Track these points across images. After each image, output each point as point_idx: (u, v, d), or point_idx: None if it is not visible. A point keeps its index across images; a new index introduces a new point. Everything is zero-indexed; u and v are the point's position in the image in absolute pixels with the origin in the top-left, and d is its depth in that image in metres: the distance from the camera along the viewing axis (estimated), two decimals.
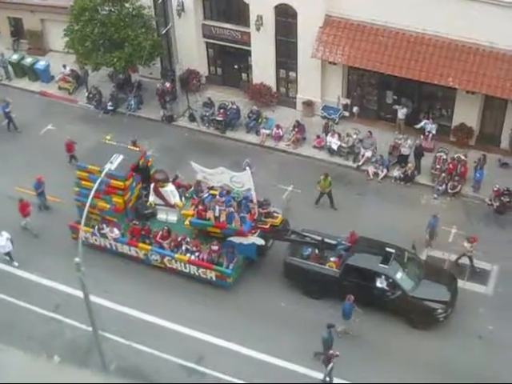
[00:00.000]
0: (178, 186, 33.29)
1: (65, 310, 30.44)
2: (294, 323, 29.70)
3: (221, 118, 40.36)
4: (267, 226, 31.30)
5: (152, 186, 32.50)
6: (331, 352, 26.43)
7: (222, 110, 40.74)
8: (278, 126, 39.54)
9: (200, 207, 31.31)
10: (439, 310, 29.05)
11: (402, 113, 39.02)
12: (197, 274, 31.27)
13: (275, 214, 31.84)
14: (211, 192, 32.55)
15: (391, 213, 34.41)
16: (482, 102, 37.46)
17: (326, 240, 30.85)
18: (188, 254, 31.21)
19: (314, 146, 39.06)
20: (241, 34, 40.97)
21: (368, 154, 37.79)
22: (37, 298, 31.11)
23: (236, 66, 43.29)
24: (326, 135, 38.70)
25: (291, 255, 31.10)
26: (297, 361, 28.20)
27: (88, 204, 24.19)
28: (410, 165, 36.74)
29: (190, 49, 42.05)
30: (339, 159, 38.36)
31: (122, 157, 25.96)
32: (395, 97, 39.72)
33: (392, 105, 39.79)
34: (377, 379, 27.07)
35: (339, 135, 38.52)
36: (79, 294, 24.97)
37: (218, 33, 41.64)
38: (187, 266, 31.29)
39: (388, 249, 30.01)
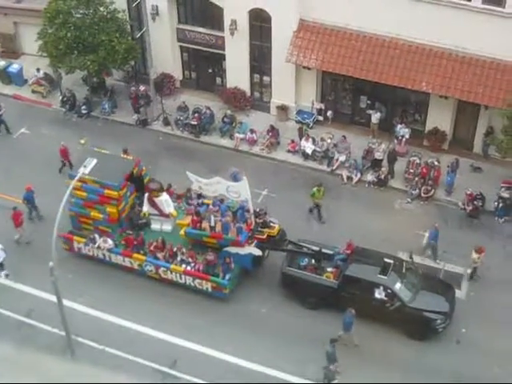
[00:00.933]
0: (172, 195, 32.99)
1: (38, 315, 30.21)
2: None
3: (195, 122, 40.30)
4: (264, 236, 31.08)
5: (146, 195, 32.06)
6: (333, 367, 26.36)
7: (196, 114, 40.67)
8: (252, 131, 39.56)
9: (195, 218, 31.01)
10: (438, 321, 28.91)
11: (375, 117, 39.20)
12: (192, 284, 30.85)
13: (272, 224, 31.64)
14: (205, 201, 32.40)
15: (365, 216, 34.54)
16: (454, 107, 37.72)
17: (323, 250, 30.71)
18: (183, 265, 30.90)
19: (288, 151, 39.13)
20: (215, 39, 40.97)
21: (342, 158, 37.92)
22: (9, 302, 30.87)
23: (210, 70, 43.25)
24: (301, 139, 38.78)
25: (288, 265, 30.81)
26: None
27: (60, 212, 23.94)
28: (383, 169, 36.90)
29: (165, 53, 41.98)
30: (313, 163, 38.45)
31: (95, 161, 25.77)
32: (369, 101, 39.90)
33: (366, 109, 39.98)
34: None
35: (313, 139, 38.61)
36: (53, 298, 24.88)
37: (192, 37, 41.61)
38: (183, 276, 30.88)
39: (386, 259, 29.83)
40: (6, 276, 31.84)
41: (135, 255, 31.41)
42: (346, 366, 27.32)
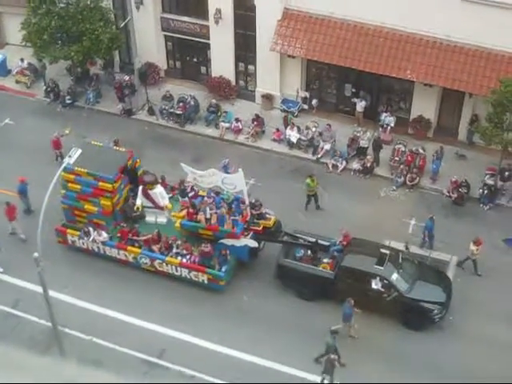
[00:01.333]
0: (166, 187, 32.83)
1: (25, 305, 30.16)
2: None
3: (180, 112, 40.26)
4: (260, 228, 30.93)
5: (140, 188, 31.83)
6: (333, 356, 26.16)
7: (181, 104, 40.62)
8: (237, 120, 39.55)
9: (190, 210, 30.84)
10: (435, 311, 28.88)
11: (360, 106, 39.28)
12: (188, 277, 30.67)
13: (268, 216, 31.50)
14: (200, 193, 32.26)
15: (351, 204, 34.59)
16: (439, 95, 37.82)
17: (319, 241, 30.65)
18: (179, 257, 30.69)
19: (274, 139, 39.14)
20: (200, 27, 40.88)
21: (327, 146, 37.98)
22: None
23: (195, 60, 43.19)
24: (286, 128, 38.78)
25: (284, 257, 30.70)
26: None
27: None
28: (368, 157, 36.98)
29: (149, 42, 41.90)
30: (298, 152, 38.48)
31: (80, 150, 25.65)
32: (354, 90, 39.94)
33: (351, 98, 40.01)
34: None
35: (298, 128, 38.64)
36: (39, 289, 24.84)
37: (176, 26, 41.51)
38: (178, 269, 30.74)
39: (382, 250, 29.79)
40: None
41: (130, 248, 31.20)
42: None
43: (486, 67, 35.38)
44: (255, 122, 39.36)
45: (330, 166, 37.48)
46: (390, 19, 36.16)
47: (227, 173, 32.44)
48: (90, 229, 31.52)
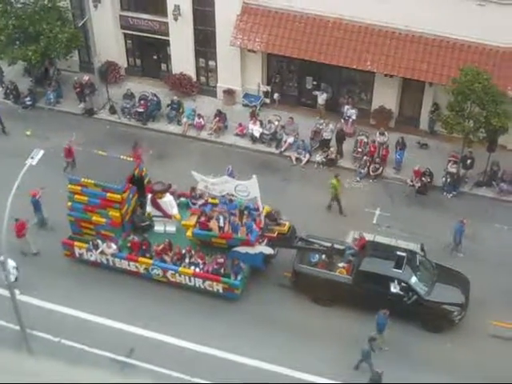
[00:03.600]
0: (173, 195, 32.21)
1: None
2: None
3: (142, 110, 40.11)
4: (275, 235, 30.46)
5: (149, 197, 31.33)
6: (377, 371, 25.97)
7: (142, 102, 40.47)
8: (199, 116, 39.47)
9: (203, 218, 30.26)
10: (455, 313, 28.71)
11: (322, 98, 39.41)
12: (202, 286, 30.11)
13: (282, 222, 30.96)
14: (210, 201, 31.81)
15: (315, 197, 34.66)
16: (400, 85, 38.06)
17: (335, 246, 30.32)
18: (192, 267, 30.16)
19: (237, 134, 39.15)
20: (159, 25, 40.75)
21: (290, 140, 38.07)
22: None
23: (155, 57, 43.04)
24: (255, 122, 38.73)
25: (300, 262, 30.26)
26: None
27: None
28: (332, 149, 37.13)
29: (108, 40, 41.66)
30: (262, 146, 38.54)
31: (42, 151, 25.43)
32: (315, 82, 40.08)
33: (312, 90, 40.12)
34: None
35: (261, 122, 38.68)
36: (6, 293, 24.68)
37: (135, 24, 41.32)
38: (192, 279, 30.26)
39: (399, 252, 29.52)
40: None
41: (141, 259, 30.68)
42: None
43: (445, 56, 35.66)
44: (217, 118, 39.31)
45: (294, 159, 37.57)
46: (348, 11, 36.31)
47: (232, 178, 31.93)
48: (99, 241, 30.79)
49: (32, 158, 25.18)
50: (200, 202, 32.11)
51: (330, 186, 33.92)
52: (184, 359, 27.93)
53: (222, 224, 29.94)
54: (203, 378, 27.21)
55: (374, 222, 33.82)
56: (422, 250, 30.95)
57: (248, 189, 29.55)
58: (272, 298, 30.42)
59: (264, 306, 30.07)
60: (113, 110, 40.81)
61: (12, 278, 29.36)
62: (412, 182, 35.37)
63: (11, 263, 29.45)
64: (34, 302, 30.05)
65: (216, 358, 28.01)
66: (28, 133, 37.85)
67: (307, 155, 37.45)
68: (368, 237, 31.51)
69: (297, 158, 37.54)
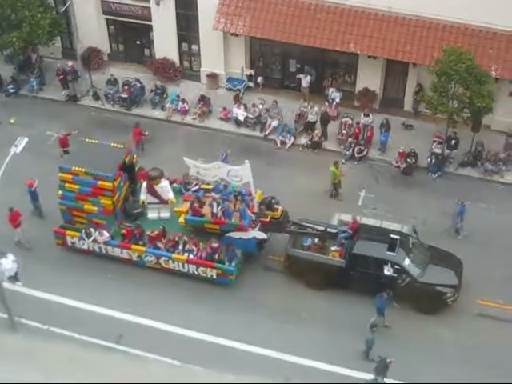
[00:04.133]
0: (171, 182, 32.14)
1: None
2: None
3: (125, 95, 40.00)
4: (268, 219, 30.50)
5: (144, 184, 31.17)
6: (389, 360, 25.63)
7: (126, 87, 40.35)
8: (183, 100, 39.39)
9: (196, 204, 30.20)
10: (448, 294, 28.73)
11: (305, 81, 39.38)
12: (196, 273, 30.07)
13: (275, 206, 31.08)
14: (202, 186, 31.75)
15: (301, 180, 34.75)
16: (383, 67, 38.07)
17: (328, 229, 30.36)
18: (186, 253, 30.10)
19: (221, 118, 39.12)
20: (141, 9, 40.56)
21: (274, 123, 38.07)
22: None
23: (138, 42, 42.86)
24: (239, 106, 38.69)
25: (292, 247, 30.27)
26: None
27: None
28: (316, 131, 37.14)
29: (91, 26, 41.47)
30: (246, 130, 38.53)
31: (26, 139, 25.36)
32: (298, 65, 40.04)
33: (296, 73, 40.07)
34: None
35: (245, 106, 38.64)
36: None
37: (117, 9, 41.12)
38: (185, 265, 30.18)
39: (392, 235, 29.51)
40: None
41: (134, 246, 30.51)
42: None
43: (428, 37, 35.69)
44: (201, 102, 39.25)
45: (279, 142, 37.57)
46: None
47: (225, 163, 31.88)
48: (92, 229, 30.68)
49: (16, 146, 25.13)
50: (193, 188, 32.07)
51: (331, 175, 33.82)
52: (173, 344, 27.95)
53: (215, 210, 29.88)
54: (193, 363, 27.24)
55: (360, 203, 33.90)
56: (415, 231, 31.03)
57: (240, 174, 29.55)
58: (263, 283, 30.47)
59: (255, 291, 30.11)
60: (96, 97, 40.66)
61: (11, 273, 29.52)
62: (397, 163, 35.45)
63: (10, 257, 29.55)
64: (22, 290, 30.01)
65: (206, 343, 28.08)
66: (12, 121, 37.68)
67: (292, 138, 37.46)
68: (369, 222, 31.53)
69: (281, 142, 37.54)
